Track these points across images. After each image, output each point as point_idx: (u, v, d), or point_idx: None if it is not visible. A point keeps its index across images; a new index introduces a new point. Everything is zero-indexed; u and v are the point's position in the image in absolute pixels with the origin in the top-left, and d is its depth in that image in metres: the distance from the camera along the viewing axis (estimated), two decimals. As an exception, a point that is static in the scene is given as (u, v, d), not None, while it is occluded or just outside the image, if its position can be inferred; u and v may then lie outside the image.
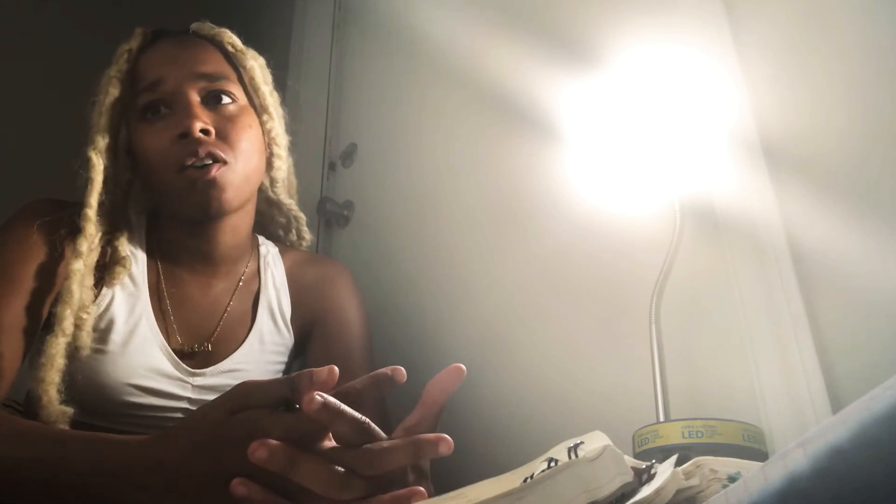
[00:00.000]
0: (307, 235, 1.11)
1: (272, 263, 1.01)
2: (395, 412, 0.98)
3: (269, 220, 1.08)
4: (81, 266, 0.83)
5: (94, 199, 0.86)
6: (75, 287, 0.82)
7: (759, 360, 0.73)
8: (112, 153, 0.91)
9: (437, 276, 1.19)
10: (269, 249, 1.03)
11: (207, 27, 0.98)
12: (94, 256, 0.86)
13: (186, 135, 0.85)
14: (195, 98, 0.89)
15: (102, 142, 0.89)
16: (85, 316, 0.83)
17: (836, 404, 0.67)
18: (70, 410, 0.79)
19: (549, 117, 1.02)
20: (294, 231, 1.10)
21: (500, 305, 1.06)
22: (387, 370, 0.59)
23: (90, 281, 0.85)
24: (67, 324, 0.81)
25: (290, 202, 1.08)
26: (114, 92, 0.90)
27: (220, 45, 0.96)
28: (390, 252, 1.31)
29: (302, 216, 1.10)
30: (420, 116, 1.35)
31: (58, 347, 0.80)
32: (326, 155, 1.54)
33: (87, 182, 0.87)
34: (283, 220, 1.09)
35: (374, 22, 1.59)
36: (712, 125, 0.84)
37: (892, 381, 0.30)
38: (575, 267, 0.97)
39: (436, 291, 1.18)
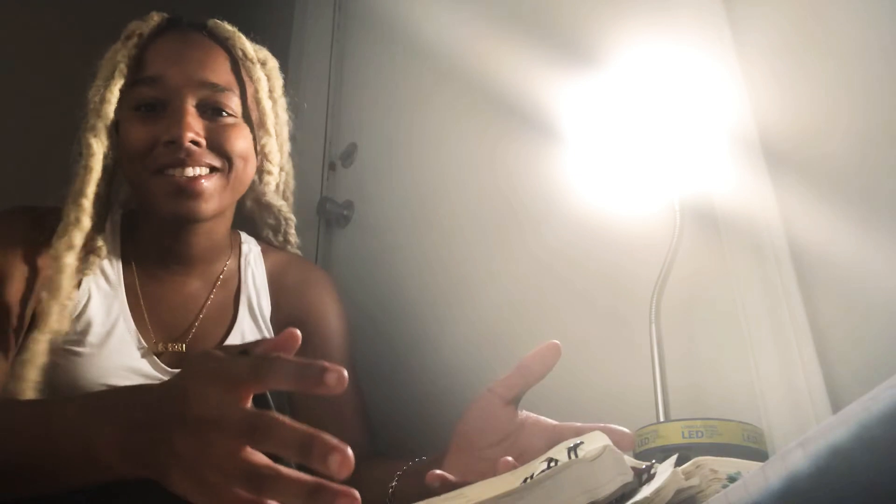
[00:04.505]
0: (293, 239, 1.09)
1: (253, 263, 1.00)
2: (395, 413, 0.98)
3: (257, 220, 1.07)
4: (73, 260, 0.82)
5: (90, 188, 0.84)
6: (66, 282, 0.80)
7: (759, 360, 0.73)
8: (110, 140, 0.87)
9: (438, 276, 1.19)
10: (251, 248, 1.02)
11: (223, 28, 0.94)
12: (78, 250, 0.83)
13: (174, 142, 0.83)
14: (191, 106, 0.86)
15: (103, 127, 0.85)
16: (69, 309, 0.82)
17: (836, 404, 0.67)
18: None
19: (549, 117, 1.02)
20: (282, 233, 1.08)
21: (500, 305, 1.06)
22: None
23: (74, 275, 0.83)
24: (54, 319, 0.79)
25: (282, 204, 1.07)
26: (119, 77, 0.87)
27: (230, 51, 0.93)
28: (390, 252, 1.31)
29: (292, 218, 1.08)
30: (420, 116, 1.35)
31: (42, 344, 0.78)
32: (326, 155, 1.54)
33: (83, 169, 0.84)
34: (272, 221, 1.07)
35: (374, 22, 1.59)
36: (712, 125, 0.84)
37: (892, 381, 0.30)
38: (575, 267, 0.97)
39: (436, 291, 1.18)
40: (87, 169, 0.84)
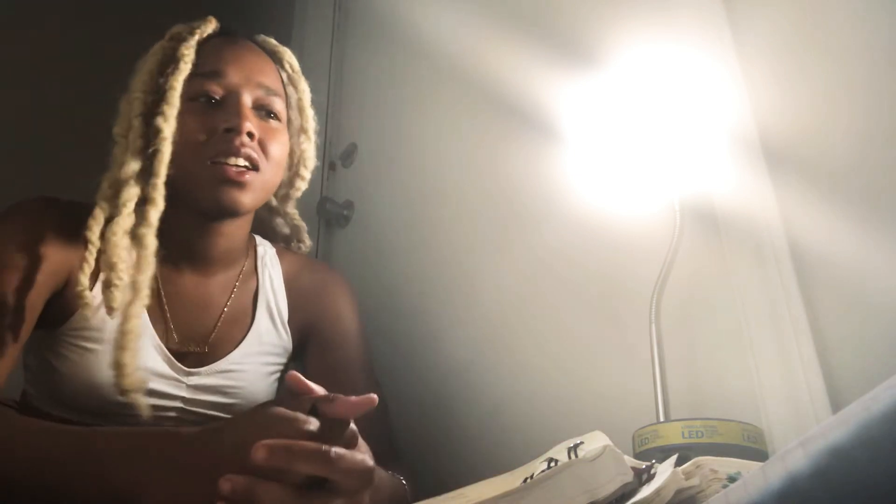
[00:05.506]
0: (307, 241, 1.12)
1: (269, 264, 1.01)
2: (395, 411, 0.98)
3: (272, 227, 1.09)
4: (154, 239, 0.83)
5: (163, 169, 0.85)
6: (151, 258, 0.83)
7: (759, 360, 0.73)
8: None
9: (438, 276, 1.19)
10: (266, 250, 1.03)
11: (272, 42, 1.01)
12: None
13: (232, 130, 0.87)
14: (248, 101, 0.90)
15: (172, 114, 0.87)
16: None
17: (836, 404, 0.67)
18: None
19: (549, 117, 1.03)
20: (295, 239, 1.11)
21: (500, 305, 1.06)
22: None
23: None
24: (145, 295, 0.81)
25: (295, 212, 1.09)
26: (185, 68, 0.90)
27: (279, 63, 1.00)
28: (390, 252, 1.31)
29: (303, 225, 1.11)
30: (420, 116, 1.35)
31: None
32: (326, 155, 1.54)
33: (153, 153, 0.86)
34: (286, 230, 1.10)
35: (374, 22, 1.59)
36: (712, 125, 0.84)
37: (892, 381, 0.30)
38: (575, 267, 0.97)
39: (436, 291, 1.18)
40: (158, 152, 0.86)
